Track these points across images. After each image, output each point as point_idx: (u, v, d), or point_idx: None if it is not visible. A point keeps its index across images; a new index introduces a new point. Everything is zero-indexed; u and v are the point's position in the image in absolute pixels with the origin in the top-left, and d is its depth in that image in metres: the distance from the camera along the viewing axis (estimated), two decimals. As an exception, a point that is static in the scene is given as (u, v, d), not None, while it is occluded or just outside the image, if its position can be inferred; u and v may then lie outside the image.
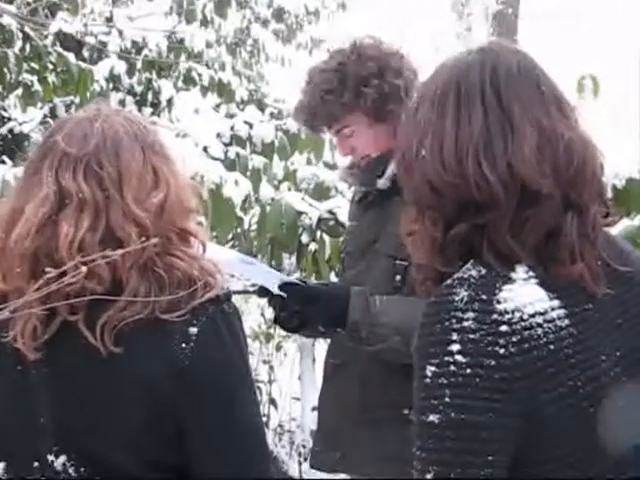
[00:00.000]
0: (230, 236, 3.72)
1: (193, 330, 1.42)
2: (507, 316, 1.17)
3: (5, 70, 4.87)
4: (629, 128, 10.42)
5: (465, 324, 1.17)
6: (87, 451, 1.45)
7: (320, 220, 3.59)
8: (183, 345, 1.42)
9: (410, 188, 1.33)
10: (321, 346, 4.36)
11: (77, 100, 5.48)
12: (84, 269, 1.16)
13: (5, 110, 5.44)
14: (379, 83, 2.13)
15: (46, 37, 5.43)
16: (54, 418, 1.45)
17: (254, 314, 5.01)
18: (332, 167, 4.83)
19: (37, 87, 5.29)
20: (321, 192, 4.19)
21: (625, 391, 1.25)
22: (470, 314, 1.17)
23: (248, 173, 4.36)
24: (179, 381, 1.42)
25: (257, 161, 4.49)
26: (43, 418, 1.46)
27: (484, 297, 1.19)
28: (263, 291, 2.07)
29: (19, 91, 5.34)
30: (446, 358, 1.17)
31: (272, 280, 2.02)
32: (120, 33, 6.02)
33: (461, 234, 1.24)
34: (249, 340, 4.27)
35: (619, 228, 2.76)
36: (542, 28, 13.79)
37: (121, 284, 1.42)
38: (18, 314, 1.37)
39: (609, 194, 3.00)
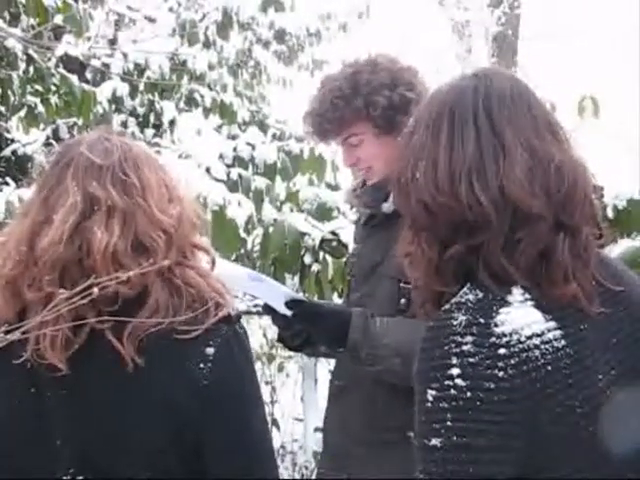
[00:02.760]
0: (233, 257, 3.73)
1: (210, 351, 1.46)
2: (505, 339, 1.19)
3: (9, 92, 4.90)
4: (629, 147, 10.42)
5: (464, 348, 1.18)
6: (105, 472, 1.46)
7: (323, 241, 3.59)
8: (201, 365, 1.45)
9: (405, 210, 1.36)
10: (323, 367, 4.36)
11: (80, 122, 5.51)
12: (95, 290, 1.17)
13: (8, 132, 5.46)
14: (390, 93, 2.14)
15: (49, 59, 5.46)
16: (71, 440, 1.46)
17: (256, 335, 5.01)
18: (334, 188, 4.84)
19: (40, 109, 5.31)
20: (323, 213, 4.20)
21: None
22: (469, 338, 1.19)
23: (250, 194, 4.38)
24: (198, 400, 1.45)
25: (259, 182, 4.51)
26: (59, 441, 1.46)
27: (482, 321, 1.20)
28: (268, 309, 2.07)
29: (22, 112, 5.37)
30: (446, 382, 1.18)
31: (279, 298, 2.03)
32: (125, 56, 6.06)
33: (456, 255, 1.27)
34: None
35: (620, 249, 2.78)
36: (542, 49, 13.83)
37: (147, 290, 1.45)
38: (47, 330, 1.38)
39: (610, 214, 3.02)
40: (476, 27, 14.78)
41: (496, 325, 1.20)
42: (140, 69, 6.28)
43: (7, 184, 4.22)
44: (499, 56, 13.52)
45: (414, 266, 1.35)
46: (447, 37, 15.12)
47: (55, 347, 1.42)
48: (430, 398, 1.19)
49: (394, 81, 2.16)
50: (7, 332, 1.24)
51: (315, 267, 3.61)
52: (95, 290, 1.17)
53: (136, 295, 1.44)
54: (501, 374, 1.17)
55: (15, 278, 1.46)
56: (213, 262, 1.58)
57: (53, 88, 5.24)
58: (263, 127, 6.54)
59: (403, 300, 2.11)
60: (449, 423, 1.17)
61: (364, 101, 2.15)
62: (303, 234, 3.62)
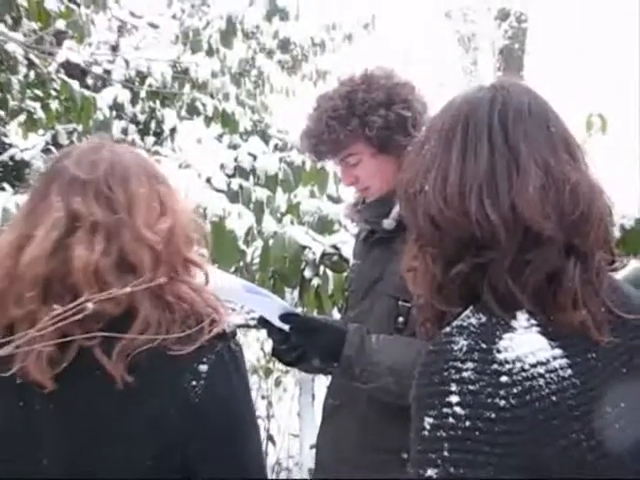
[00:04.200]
0: (232, 269, 3.69)
1: (203, 368, 1.44)
2: (507, 366, 1.14)
3: (9, 96, 4.88)
4: (638, 165, 10.37)
5: (464, 374, 1.14)
6: None
7: (324, 255, 3.55)
8: (193, 383, 1.43)
9: (412, 223, 1.31)
10: (321, 383, 4.31)
11: (80, 128, 5.49)
12: (90, 305, 1.15)
13: (6, 136, 5.44)
14: (386, 112, 2.12)
15: (50, 64, 5.44)
16: (58, 455, 1.43)
17: (253, 348, 4.97)
18: (336, 200, 4.80)
19: (40, 114, 5.29)
20: (324, 225, 4.16)
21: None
22: (469, 364, 1.14)
23: (251, 205, 4.34)
24: (189, 418, 1.42)
25: (260, 193, 4.47)
26: (46, 457, 1.44)
27: (484, 346, 1.16)
28: (263, 322, 2.05)
29: (21, 117, 5.35)
30: (445, 410, 1.13)
31: (274, 311, 2.00)
32: (127, 63, 6.03)
33: (462, 273, 1.22)
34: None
35: (628, 269, 2.73)
36: (548, 64, 13.84)
37: (135, 309, 1.42)
38: (36, 346, 1.34)
39: (617, 234, 2.98)
40: (482, 40, 14.82)
41: (499, 351, 1.15)
42: (142, 76, 6.26)
43: (4, 189, 4.18)
44: (505, 70, 13.55)
45: (417, 282, 1.30)
46: (453, 49, 15.15)
47: (40, 365, 1.39)
48: (427, 426, 1.14)
49: (390, 99, 2.13)
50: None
51: (315, 281, 3.57)
52: (89, 305, 1.15)
53: (123, 312, 1.41)
54: (502, 403, 1.12)
55: (2, 293, 1.44)
56: (207, 277, 1.55)
57: (53, 93, 5.22)
58: (265, 137, 6.50)
59: (401, 318, 2.09)
60: (446, 453, 1.12)
61: (360, 122, 2.13)
62: (304, 247, 3.58)
